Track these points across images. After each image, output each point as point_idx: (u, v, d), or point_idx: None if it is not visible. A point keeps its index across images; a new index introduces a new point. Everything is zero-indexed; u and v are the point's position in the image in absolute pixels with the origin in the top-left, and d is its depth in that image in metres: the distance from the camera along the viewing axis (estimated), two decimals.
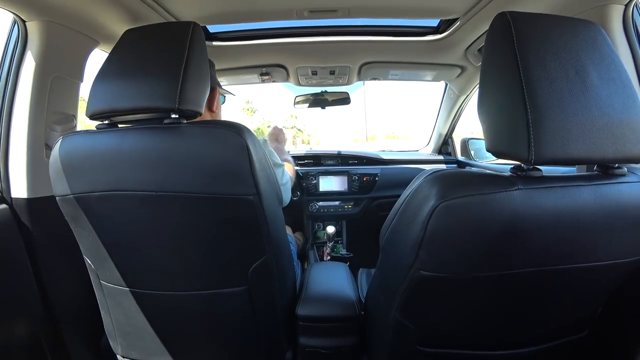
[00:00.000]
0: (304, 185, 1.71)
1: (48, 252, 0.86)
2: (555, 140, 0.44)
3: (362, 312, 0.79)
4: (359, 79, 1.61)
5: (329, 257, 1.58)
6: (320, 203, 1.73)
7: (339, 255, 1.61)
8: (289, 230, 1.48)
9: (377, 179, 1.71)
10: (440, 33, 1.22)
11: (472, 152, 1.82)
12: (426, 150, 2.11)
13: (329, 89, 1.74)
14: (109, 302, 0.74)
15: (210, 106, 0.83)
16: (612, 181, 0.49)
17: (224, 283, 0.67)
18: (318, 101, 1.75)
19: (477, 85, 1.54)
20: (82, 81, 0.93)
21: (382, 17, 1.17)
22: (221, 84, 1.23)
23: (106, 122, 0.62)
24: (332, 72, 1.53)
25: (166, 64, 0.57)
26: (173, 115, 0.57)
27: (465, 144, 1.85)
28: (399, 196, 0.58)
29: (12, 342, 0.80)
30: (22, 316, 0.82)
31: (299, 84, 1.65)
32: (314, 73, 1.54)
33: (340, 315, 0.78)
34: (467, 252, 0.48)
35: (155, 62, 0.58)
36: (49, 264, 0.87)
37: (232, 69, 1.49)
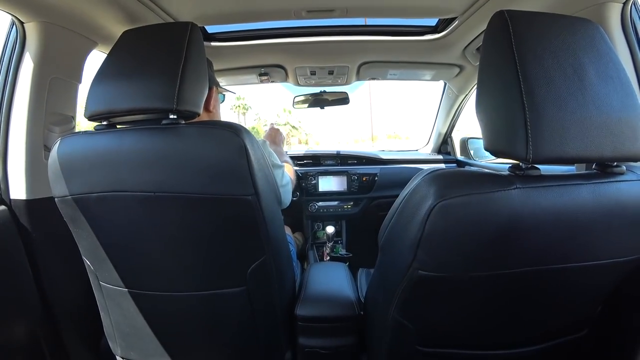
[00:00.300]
0: (303, 185, 1.71)
1: (47, 254, 0.86)
2: (553, 138, 0.44)
3: (362, 312, 0.79)
4: (358, 78, 1.61)
5: (328, 257, 1.58)
6: (320, 203, 1.73)
7: (338, 255, 1.61)
8: (288, 230, 1.48)
9: (376, 178, 1.71)
10: (439, 32, 1.22)
11: (472, 152, 1.82)
12: (425, 149, 2.11)
13: (328, 89, 1.74)
14: (108, 303, 0.73)
15: (207, 106, 0.83)
16: (611, 180, 0.49)
17: (222, 283, 0.67)
18: (317, 101, 1.75)
19: (476, 85, 1.55)
20: (80, 82, 0.93)
21: (380, 16, 1.17)
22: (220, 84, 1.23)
23: (104, 123, 0.62)
24: (331, 72, 1.53)
25: (164, 64, 0.57)
26: (171, 116, 0.57)
27: (464, 143, 1.85)
28: (398, 196, 0.58)
29: (11, 344, 0.80)
30: (21, 317, 0.82)
31: (298, 84, 1.65)
32: (313, 73, 1.54)
33: (340, 316, 0.78)
34: (466, 252, 0.48)
35: (153, 62, 0.58)
36: (48, 265, 0.87)
37: (230, 70, 1.49)
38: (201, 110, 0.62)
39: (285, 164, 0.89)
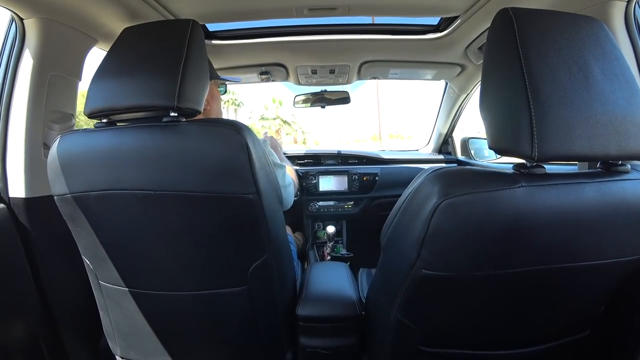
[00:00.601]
0: (303, 185, 1.71)
1: (46, 252, 0.86)
2: (558, 136, 0.43)
3: (363, 312, 0.79)
4: (359, 77, 1.61)
5: (329, 257, 1.58)
6: (320, 203, 1.72)
7: (339, 255, 1.60)
8: (288, 230, 1.48)
9: (377, 178, 1.71)
10: (441, 31, 1.22)
11: (472, 152, 1.81)
12: (426, 149, 2.11)
13: (329, 88, 1.73)
14: (107, 302, 0.73)
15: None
16: (616, 178, 0.48)
17: (223, 283, 0.66)
18: (318, 100, 1.75)
19: (478, 84, 1.55)
20: (80, 79, 0.93)
21: (382, 15, 1.16)
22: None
23: (105, 120, 0.62)
24: (332, 71, 1.53)
25: (165, 62, 0.57)
26: (172, 114, 0.57)
27: (465, 143, 1.85)
28: (399, 196, 0.58)
29: (10, 343, 0.79)
30: (20, 317, 0.82)
31: (299, 83, 1.65)
32: (314, 72, 1.53)
33: (341, 316, 0.78)
34: (470, 251, 0.48)
35: (154, 60, 0.58)
36: (47, 264, 0.86)
37: (231, 68, 1.49)
38: (202, 108, 0.61)
39: (286, 166, 0.88)
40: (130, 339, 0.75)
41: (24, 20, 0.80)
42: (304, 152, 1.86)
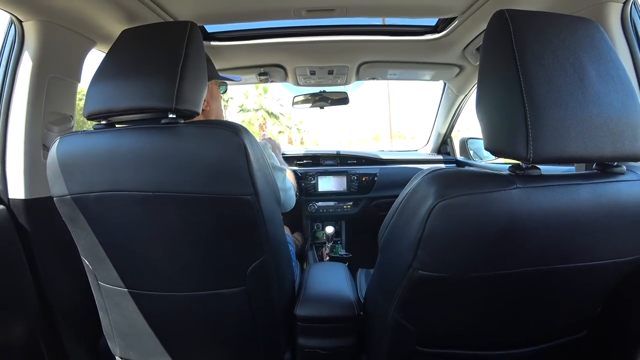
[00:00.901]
0: (302, 185, 1.71)
1: (46, 253, 0.86)
2: (553, 138, 0.44)
3: (361, 313, 0.79)
4: (358, 78, 1.61)
5: (327, 258, 1.58)
6: (319, 203, 1.72)
7: (337, 255, 1.60)
8: (287, 230, 1.48)
9: (376, 179, 1.71)
10: (439, 32, 1.22)
11: (471, 152, 1.82)
12: (425, 150, 2.11)
13: (328, 88, 1.73)
14: (107, 303, 0.73)
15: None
16: (611, 180, 0.49)
17: (222, 283, 0.66)
18: (317, 101, 1.75)
19: (476, 85, 1.55)
20: (79, 81, 0.93)
21: (380, 16, 1.17)
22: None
23: (103, 122, 0.62)
24: (331, 72, 1.53)
25: (163, 63, 0.57)
26: (170, 115, 0.57)
27: (464, 143, 1.85)
28: (397, 196, 0.58)
29: (9, 344, 0.79)
30: (19, 317, 0.82)
31: (298, 84, 1.65)
32: (313, 73, 1.54)
33: (339, 316, 0.78)
34: (466, 252, 0.48)
35: (152, 62, 0.58)
36: (47, 265, 0.86)
37: (230, 69, 1.49)
38: (200, 110, 0.61)
39: (286, 169, 0.89)
40: (129, 339, 0.75)
41: (23, 23, 0.81)
42: (302, 152, 1.87)
